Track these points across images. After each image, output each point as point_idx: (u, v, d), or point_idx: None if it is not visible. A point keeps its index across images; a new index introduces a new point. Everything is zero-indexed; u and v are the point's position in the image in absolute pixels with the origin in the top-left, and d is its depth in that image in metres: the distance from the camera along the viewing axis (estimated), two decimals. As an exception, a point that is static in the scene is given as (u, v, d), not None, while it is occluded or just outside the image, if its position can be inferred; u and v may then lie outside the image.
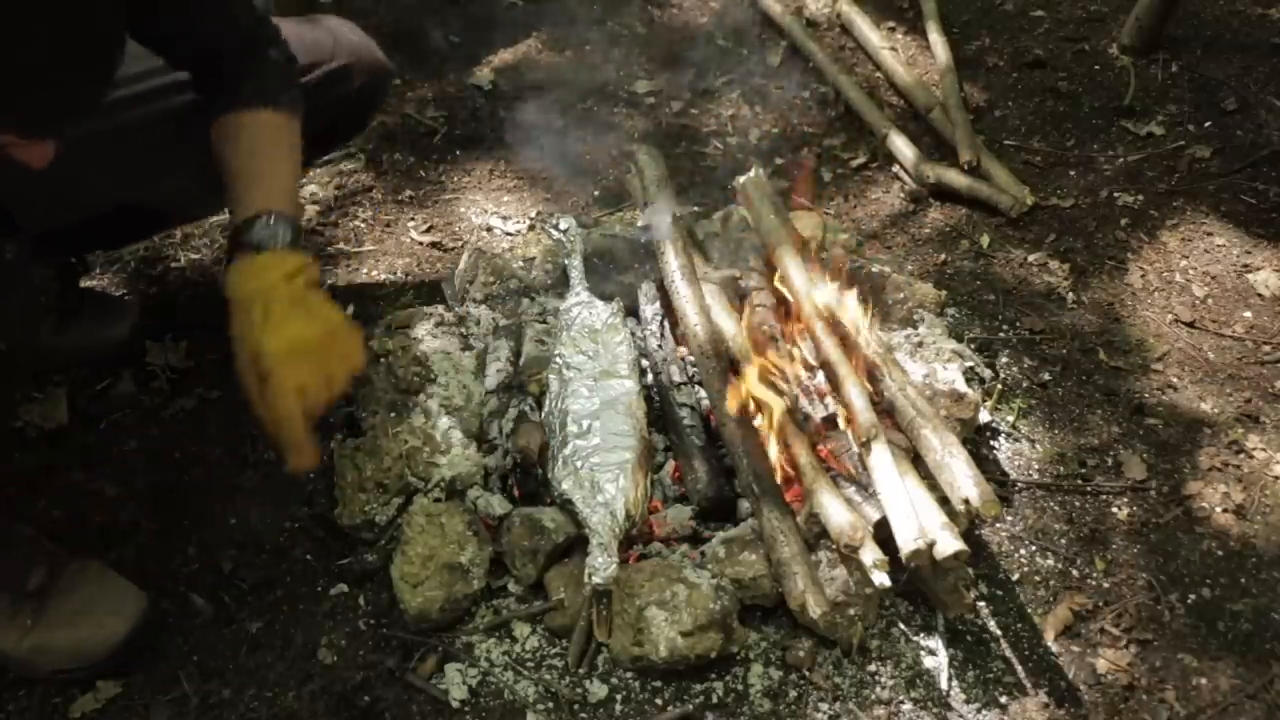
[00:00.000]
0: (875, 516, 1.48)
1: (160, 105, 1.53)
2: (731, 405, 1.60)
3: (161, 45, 1.43)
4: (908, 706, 1.45)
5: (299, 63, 1.57)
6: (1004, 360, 1.96)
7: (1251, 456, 1.79)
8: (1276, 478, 1.76)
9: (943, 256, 2.21)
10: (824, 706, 1.44)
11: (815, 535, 1.53)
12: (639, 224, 2.00)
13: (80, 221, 1.66)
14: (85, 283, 2.02)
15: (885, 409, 1.62)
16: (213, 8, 1.43)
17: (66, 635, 1.43)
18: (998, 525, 1.68)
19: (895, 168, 2.45)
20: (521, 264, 2.01)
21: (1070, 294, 2.11)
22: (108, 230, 1.79)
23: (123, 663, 1.46)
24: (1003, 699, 1.46)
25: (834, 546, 1.48)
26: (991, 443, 1.81)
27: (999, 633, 1.54)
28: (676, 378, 1.76)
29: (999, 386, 1.90)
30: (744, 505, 1.62)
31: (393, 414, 1.71)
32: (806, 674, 1.47)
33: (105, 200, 1.61)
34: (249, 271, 1.34)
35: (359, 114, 1.89)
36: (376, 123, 2.50)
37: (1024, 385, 1.92)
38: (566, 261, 1.97)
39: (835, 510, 1.46)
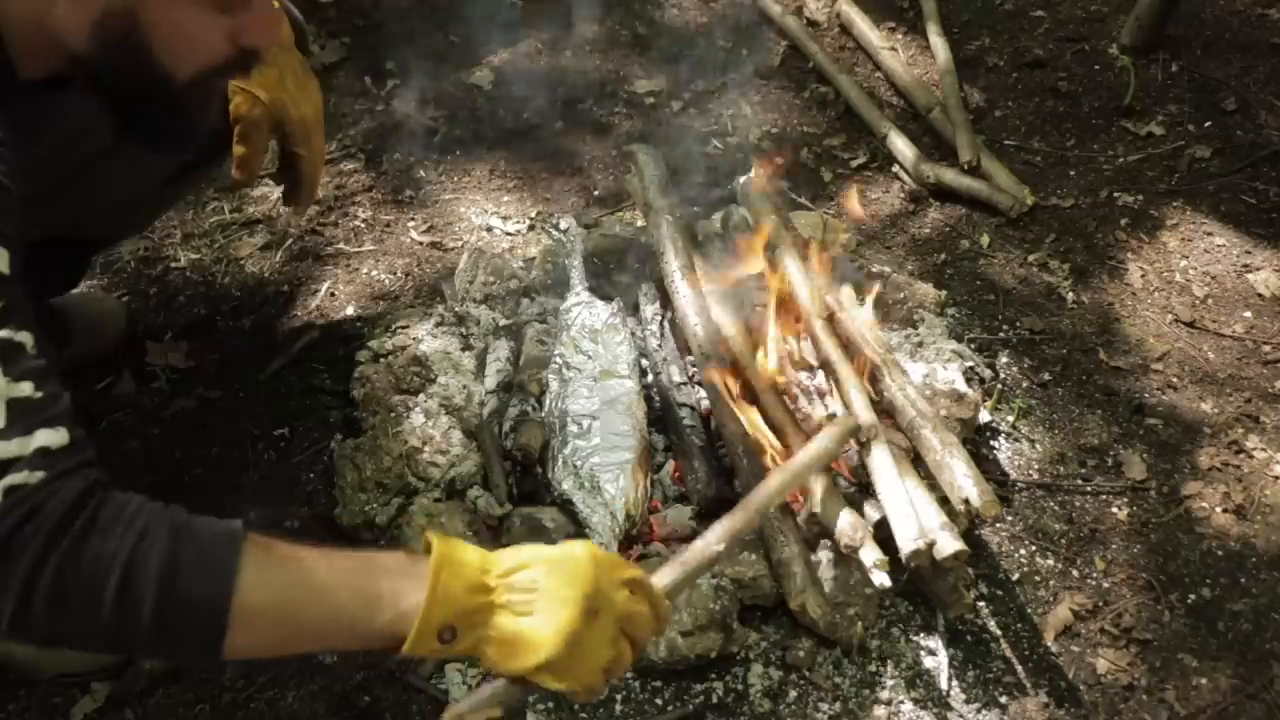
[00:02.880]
0: (875, 516, 1.48)
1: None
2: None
3: None
4: (908, 706, 1.45)
5: None
6: (1004, 360, 1.96)
7: (1251, 456, 1.79)
8: (1276, 478, 1.76)
9: (943, 256, 2.21)
10: (824, 706, 1.44)
11: (815, 535, 1.53)
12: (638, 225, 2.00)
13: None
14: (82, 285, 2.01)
15: (885, 409, 1.62)
16: None
17: None
18: (998, 525, 1.68)
19: (895, 168, 2.45)
20: (521, 264, 2.01)
21: (1070, 294, 2.11)
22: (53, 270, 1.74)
23: (124, 666, 1.46)
24: (1003, 699, 1.46)
25: (834, 546, 1.48)
26: (991, 443, 1.81)
27: (999, 633, 1.54)
28: (676, 378, 1.76)
29: (999, 386, 1.90)
30: (744, 505, 1.62)
31: (393, 414, 1.71)
32: (806, 674, 1.47)
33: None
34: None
35: None
36: (376, 124, 2.50)
37: (1024, 385, 1.92)
38: (566, 261, 1.97)
39: (847, 520, 1.46)
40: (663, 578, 1.14)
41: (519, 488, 1.64)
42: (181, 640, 0.94)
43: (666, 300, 1.85)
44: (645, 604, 1.05)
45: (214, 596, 0.92)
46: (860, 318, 1.72)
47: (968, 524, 1.58)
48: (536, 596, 0.99)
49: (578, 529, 1.55)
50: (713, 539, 1.21)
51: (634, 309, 1.94)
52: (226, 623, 0.92)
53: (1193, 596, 1.60)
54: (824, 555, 1.52)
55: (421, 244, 2.20)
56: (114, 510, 0.93)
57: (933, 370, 1.77)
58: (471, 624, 0.98)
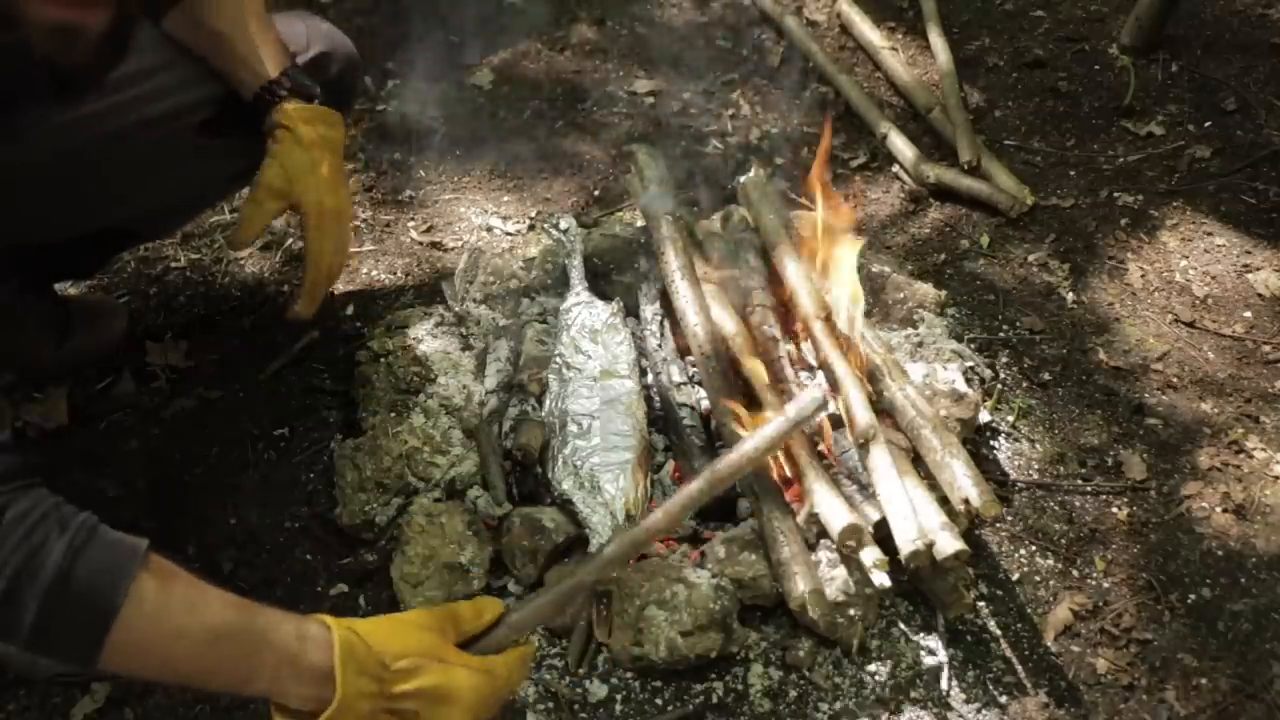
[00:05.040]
0: (875, 516, 1.48)
1: (139, 115, 1.50)
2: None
3: None
4: (908, 706, 1.45)
5: None
6: (1004, 360, 1.96)
7: (1251, 456, 1.79)
8: (1276, 478, 1.76)
9: (943, 256, 2.21)
10: (824, 706, 1.44)
11: (815, 535, 1.53)
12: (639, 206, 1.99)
13: (56, 244, 1.65)
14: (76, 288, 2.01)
15: (885, 409, 1.62)
16: None
17: None
18: (998, 525, 1.68)
19: (895, 168, 2.45)
20: (521, 264, 2.01)
21: (1070, 294, 2.11)
22: (79, 254, 1.78)
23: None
24: (1003, 699, 1.46)
25: (834, 546, 1.48)
26: (991, 443, 1.81)
27: (999, 633, 1.54)
28: (676, 378, 1.76)
29: (999, 386, 1.90)
30: (744, 505, 1.62)
31: (393, 414, 1.71)
32: (806, 674, 1.47)
33: (84, 218, 1.60)
34: (323, 118, 1.54)
35: (338, 102, 1.89)
36: (375, 124, 2.51)
37: (1024, 385, 1.92)
38: (566, 261, 1.97)
39: (835, 510, 1.46)
40: (532, 611, 1.26)
41: (519, 488, 1.65)
42: (58, 652, 0.98)
43: (667, 300, 1.85)
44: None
45: (93, 624, 0.96)
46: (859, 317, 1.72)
47: (968, 524, 1.58)
48: None
49: (578, 529, 1.55)
50: (594, 569, 1.30)
51: (634, 309, 1.94)
52: (100, 649, 0.96)
53: (1193, 596, 1.60)
54: (824, 555, 1.52)
55: (421, 244, 2.20)
56: (18, 514, 0.95)
57: (933, 370, 1.77)
58: None
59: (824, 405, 1.45)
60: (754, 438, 1.40)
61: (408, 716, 1.09)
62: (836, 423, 1.63)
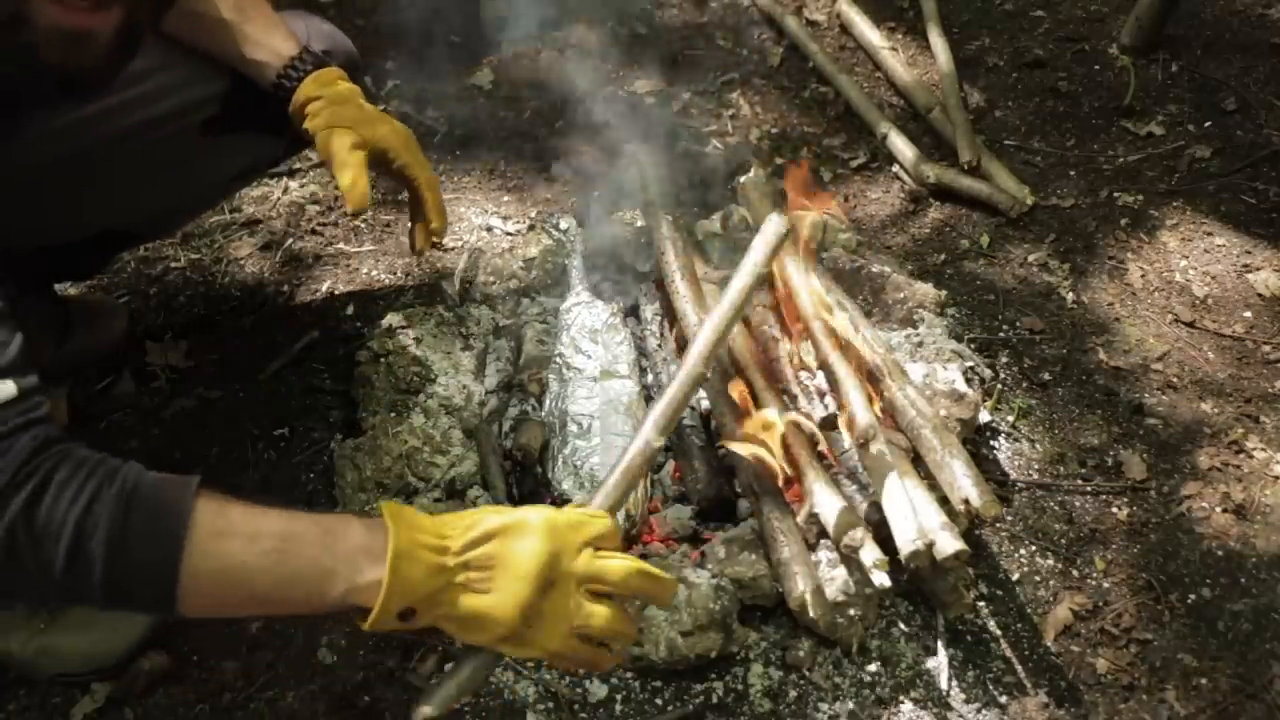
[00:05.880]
0: (875, 516, 1.48)
1: (142, 114, 1.51)
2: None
3: None
4: (908, 706, 1.45)
5: None
6: (1004, 360, 1.96)
7: (1251, 456, 1.79)
8: (1276, 478, 1.76)
9: (943, 256, 2.21)
10: (824, 706, 1.44)
11: (815, 535, 1.53)
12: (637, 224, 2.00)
13: (55, 246, 1.65)
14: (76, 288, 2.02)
15: (885, 410, 1.62)
16: None
17: (78, 639, 1.43)
18: (998, 525, 1.68)
19: (895, 168, 2.45)
20: (521, 264, 2.01)
21: (1070, 294, 2.11)
22: (80, 255, 1.78)
23: (125, 666, 1.46)
24: (1003, 699, 1.46)
25: (834, 546, 1.48)
26: (991, 443, 1.81)
27: (999, 633, 1.54)
28: (676, 378, 1.76)
29: (999, 386, 1.90)
30: (744, 505, 1.62)
31: (393, 414, 1.71)
32: (806, 674, 1.47)
33: (87, 219, 1.60)
34: (339, 75, 1.53)
35: None
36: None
37: (1024, 385, 1.92)
38: (566, 261, 1.97)
39: (836, 510, 1.46)
40: (605, 494, 1.17)
41: (519, 488, 1.65)
42: (134, 600, 0.98)
43: (666, 300, 1.85)
44: (612, 559, 1.07)
45: (162, 564, 0.95)
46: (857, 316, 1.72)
47: (968, 524, 1.58)
48: (493, 573, 1.02)
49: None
50: (649, 432, 1.22)
51: (634, 309, 1.94)
52: (176, 588, 0.95)
53: (1193, 596, 1.60)
54: (824, 555, 1.52)
55: (421, 244, 2.20)
56: (67, 473, 0.95)
57: (933, 370, 1.77)
58: (431, 604, 1.02)
59: (789, 231, 1.36)
60: (734, 281, 1.35)
61: (484, 569, 1.02)
62: (835, 423, 1.63)
